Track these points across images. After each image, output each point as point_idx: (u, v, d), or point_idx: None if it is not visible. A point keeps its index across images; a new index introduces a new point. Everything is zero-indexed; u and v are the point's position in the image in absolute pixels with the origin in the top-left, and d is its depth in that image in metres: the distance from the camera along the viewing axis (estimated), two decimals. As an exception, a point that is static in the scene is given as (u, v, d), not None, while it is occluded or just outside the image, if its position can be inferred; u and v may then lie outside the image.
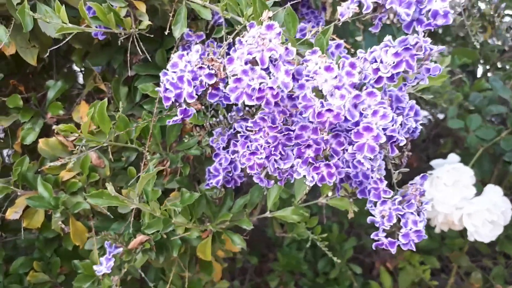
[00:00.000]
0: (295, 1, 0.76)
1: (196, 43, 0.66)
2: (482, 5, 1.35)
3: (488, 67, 1.61)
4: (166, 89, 0.46)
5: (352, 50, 0.65)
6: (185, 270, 0.78)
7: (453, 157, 1.02)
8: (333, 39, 0.63)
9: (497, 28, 1.56)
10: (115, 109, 0.79)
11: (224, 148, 0.65)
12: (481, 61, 1.58)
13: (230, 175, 0.65)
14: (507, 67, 1.57)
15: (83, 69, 0.85)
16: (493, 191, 1.00)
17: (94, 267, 0.65)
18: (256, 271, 1.48)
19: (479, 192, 1.01)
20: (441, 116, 1.63)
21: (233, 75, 0.43)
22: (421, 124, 1.70)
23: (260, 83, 0.42)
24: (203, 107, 0.64)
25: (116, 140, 0.68)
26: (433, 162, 1.03)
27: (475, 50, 1.26)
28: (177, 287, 0.84)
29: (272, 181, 0.58)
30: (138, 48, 0.64)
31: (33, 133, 0.76)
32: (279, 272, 1.32)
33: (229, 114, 0.64)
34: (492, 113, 1.16)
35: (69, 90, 0.84)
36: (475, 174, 1.17)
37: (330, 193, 0.69)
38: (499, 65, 1.42)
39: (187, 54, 0.49)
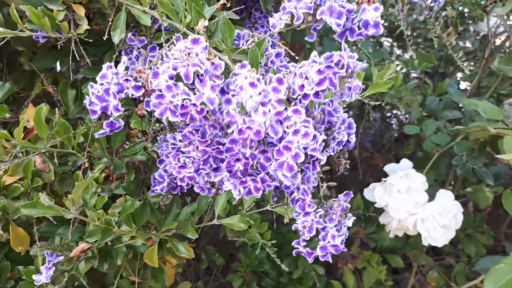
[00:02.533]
0: (243, 7, 0.76)
1: (139, 48, 0.65)
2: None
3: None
4: (91, 103, 0.46)
5: (297, 57, 0.65)
6: (133, 275, 0.77)
7: (406, 163, 1.04)
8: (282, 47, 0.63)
9: (466, 30, 1.58)
10: (64, 112, 0.77)
11: (168, 155, 0.64)
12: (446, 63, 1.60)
13: (175, 181, 0.64)
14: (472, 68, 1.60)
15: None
16: (444, 195, 1.02)
17: (34, 277, 0.64)
18: (222, 271, 1.48)
19: (434, 196, 1.02)
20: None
21: (157, 90, 0.42)
22: (386, 126, 1.71)
23: (183, 100, 0.42)
24: (146, 113, 0.64)
25: (61, 145, 0.67)
26: (386, 168, 1.04)
27: (432, 55, 1.27)
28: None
29: (213, 190, 0.58)
30: (79, 52, 0.63)
31: (-23, 136, 0.74)
32: (242, 272, 1.33)
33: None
34: (447, 118, 1.18)
35: (19, 92, 0.83)
36: (433, 176, 1.19)
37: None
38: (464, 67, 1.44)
39: (117, 64, 0.48)
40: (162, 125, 0.65)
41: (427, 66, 1.21)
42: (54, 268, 0.62)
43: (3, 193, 0.69)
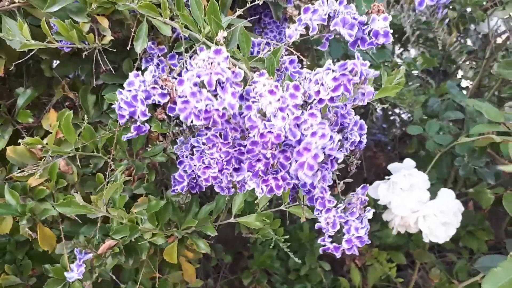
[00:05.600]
0: (253, 18, 0.80)
1: (159, 56, 0.69)
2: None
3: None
4: (120, 108, 0.49)
5: (308, 63, 0.69)
6: (155, 271, 0.81)
7: (409, 162, 1.07)
8: (291, 53, 0.66)
9: (467, 29, 1.61)
10: (83, 116, 0.81)
11: (187, 156, 0.68)
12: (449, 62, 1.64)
13: (195, 181, 0.68)
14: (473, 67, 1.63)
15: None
16: (446, 194, 1.05)
17: (66, 274, 0.67)
18: (230, 269, 1.52)
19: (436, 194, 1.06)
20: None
21: (182, 96, 0.46)
22: (390, 125, 1.74)
23: (207, 105, 0.46)
24: (166, 117, 0.68)
25: (83, 148, 0.71)
26: (390, 167, 1.07)
27: (435, 57, 1.30)
28: (145, 288, 0.87)
29: (233, 189, 0.62)
30: (102, 60, 0.66)
31: (2, 141, 0.78)
32: (253, 269, 1.36)
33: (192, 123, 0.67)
34: (449, 119, 1.21)
35: (39, 97, 0.86)
36: (436, 174, 1.23)
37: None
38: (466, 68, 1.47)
39: (143, 72, 0.51)
40: (181, 128, 0.69)
41: (428, 67, 1.24)
42: (84, 265, 0.66)
43: (29, 195, 0.73)
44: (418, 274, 1.43)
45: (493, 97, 1.33)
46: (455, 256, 1.56)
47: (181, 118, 0.47)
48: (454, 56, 1.21)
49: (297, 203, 0.66)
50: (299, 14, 0.91)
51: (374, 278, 1.40)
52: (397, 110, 1.65)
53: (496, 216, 1.47)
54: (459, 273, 1.43)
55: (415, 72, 1.54)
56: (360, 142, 0.56)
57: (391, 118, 1.77)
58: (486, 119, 0.97)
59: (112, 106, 0.53)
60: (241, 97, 0.49)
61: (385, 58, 1.20)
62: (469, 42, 1.67)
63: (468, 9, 1.41)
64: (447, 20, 1.43)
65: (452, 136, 1.15)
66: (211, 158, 0.52)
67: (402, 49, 1.78)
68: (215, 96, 0.48)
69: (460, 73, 1.66)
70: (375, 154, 1.74)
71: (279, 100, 0.46)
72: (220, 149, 0.51)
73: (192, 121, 0.46)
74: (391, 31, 0.53)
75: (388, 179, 1.03)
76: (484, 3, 1.22)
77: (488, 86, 1.51)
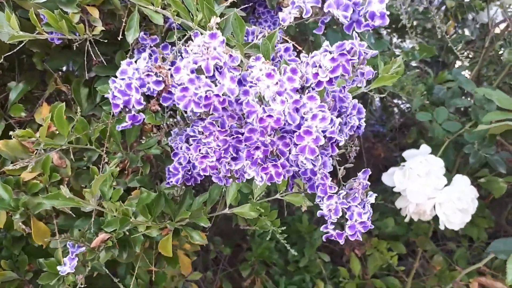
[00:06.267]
0: (249, 4, 0.79)
1: (151, 46, 0.67)
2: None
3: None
4: (114, 96, 0.48)
5: (304, 51, 0.68)
6: (150, 264, 0.80)
7: (425, 148, 1.06)
8: (286, 41, 0.65)
9: (465, 19, 1.61)
10: (76, 109, 0.80)
11: (182, 148, 0.66)
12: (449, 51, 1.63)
13: (190, 173, 0.67)
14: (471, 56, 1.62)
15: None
16: (461, 180, 1.05)
17: (58, 268, 0.66)
18: (229, 261, 1.52)
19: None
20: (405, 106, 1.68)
21: (180, 84, 0.45)
22: (388, 115, 1.73)
23: (206, 91, 0.44)
24: (159, 108, 0.66)
25: (77, 141, 0.70)
26: (405, 153, 1.06)
27: (433, 46, 1.30)
28: (144, 281, 0.86)
29: (231, 180, 0.61)
30: (94, 51, 0.65)
31: (-6, 135, 0.76)
32: (251, 261, 1.36)
33: (186, 114, 0.66)
34: (456, 106, 1.20)
35: (32, 91, 0.85)
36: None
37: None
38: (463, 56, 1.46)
39: (137, 60, 0.50)
40: (175, 119, 0.67)
41: (427, 56, 1.23)
42: (77, 258, 0.65)
43: (22, 190, 0.72)
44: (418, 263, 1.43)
45: (503, 85, 1.32)
46: (455, 244, 1.56)
47: (181, 107, 0.46)
48: (452, 45, 1.20)
49: (296, 191, 0.65)
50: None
51: (374, 267, 1.40)
52: (395, 100, 1.65)
53: (498, 203, 1.47)
54: (459, 261, 1.44)
55: (413, 64, 1.53)
56: (358, 126, 0.55)
57: (390, 108, 1.76)
58: (494, 106, 0.96)
59: (106, 96, 0.52)
60: (238, 82, 0.48)
61: (383, 48, 1.19)
62: (467, 32, 1.66)
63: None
64: (443, 8, 1.42)
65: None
66: (209, 147, 0.51)
67: (400, 39, 1.77)
68: (213, 82, 0.46)
69: (458, 63, 1.66)
70: (374, 145, 1.73)
71: (277, 83, 0.45)
72: (218, 138, 0.50)
73: (192, 110, 0.45)
74: (388, 12, 0.52)
75: (403, 165, 1.02)
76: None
77: (487, 76, 1.50)
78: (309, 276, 1.35)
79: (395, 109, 1.75)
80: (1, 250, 0.85)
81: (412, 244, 1.58)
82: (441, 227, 1.04)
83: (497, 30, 1.42)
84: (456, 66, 1.65)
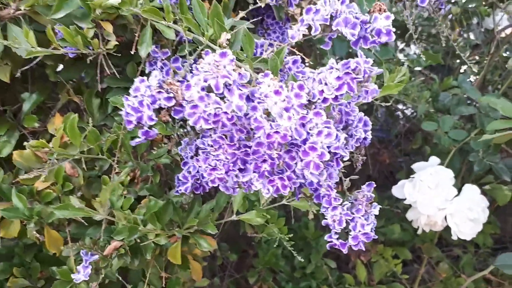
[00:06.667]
0: (258, 17, 0.80)
1: (163, 59, 0.69)
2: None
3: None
4: (127, 113, 0.50)
5: (311, 62, 0.69)
6: (161, 271, 0.81)
7: (434, 160, 1.07)
8: (294, 53, 0.67)
9: (469, 24, 1.61)
10: (88, 119, 0.81)
11: (192, 157, 0.68)
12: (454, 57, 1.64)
13: (199, 182, 0.69)
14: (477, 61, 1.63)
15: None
16: (471, 190, 1.05)
17: (73, 276, 0.68)
18: (236, 267, 1.53)
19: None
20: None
21: (190, 101, 0.46)
22: (393, 121, 1.74)
23: (215, 108, 0.46)
24: (170, 119, 0.68)
25: (89, 151, 0.72)
26: (414, 166, 1.07)
27: (438, 53, 1.30)
28: (156, 287, 0.88)
29: (238, 189, 0.62)
30: (107, 64, 0.67)
31: (8, 145, 0.78)
32: (258, 268, 1.37)
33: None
34: (462, 114, 1.21)
35: (45, 102, 0.87)
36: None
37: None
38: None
39: (147, 76, 0.52)
40: (185, 130, 0.69)
41: (432, 63, 1.24)
42: (90, 266, 0.66)
43: (36, 199, 0.74)
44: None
45: (508, 90, 1.33)
46: (460, 250, 1.57)
47: (190, 123, 0.48)
48: (458, 52, 1.21)
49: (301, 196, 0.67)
50: (301, 13, 0.92)
51: (380, 274, 1.40)
52: (400, 106, 1.66)
53: (503, 210, 1.47)
54: (465, 267, 1.44)
55: (417, 68, 1.54)
56: (365, 138, 0.57)
57: (395, 114, 1.77)
58: (500, 113, 0.97)
59: (120, 112, 0.54)
60: (247, 98, 0.49)
61: (389, 56, 1.20)
62: (471, 37, 1.67)
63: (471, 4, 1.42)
64: (450, 16, 1.43)
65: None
66: (217, 160, 0.52)
67: (404, 46, 1.78)
68: (222, 99, 0.48)
69: (463, 68, 1.67)
70: (379, 151, 1.74)
71: (284, 100, 0.46)
72: (226, 151, 0.52)
73: (201, 126, 0.46)
74: (394, 29, 0.54)
75: (413, 177, 1.03)
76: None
77: (492, 81, 1.51)
78: (315, 282, 1.36)
79: (400, 115, 1.75)
80: (13, 257, 0.87)
81: (417, 250, 1.58)
82: (454, 238, 1.04)
83: (502, 34, 1.43)
84: (462, 70, 1.66)
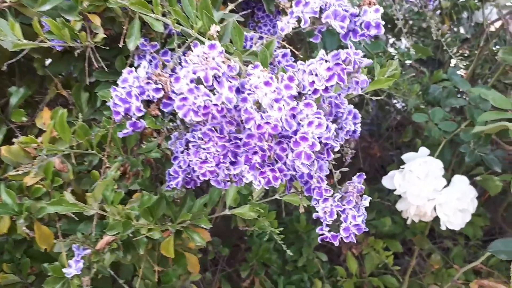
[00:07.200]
0: (248, 10, 0.80)
1: (151, 52, 0.69)
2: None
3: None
4: (115, 104, 0.49)
5: (301, 56, 0.69)
6: (154, 265, 0.81)
7: (424, 150, 1.08)
8: (284, 46, 0.66)
9: (459, 18, 1.62)
10: (77, 114, 0.81)
11: (182, 151, 0.68)
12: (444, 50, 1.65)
13: (190, 176, 0.68)
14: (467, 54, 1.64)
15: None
16: (460, 180, 1.06)
17: (64, 270, 0.68)
18: (227, 261, 1.53)
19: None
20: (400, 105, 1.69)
21: (179, 93, 0.46)
22: (384, 114, 1.75)
23: (205, 101, 0.46)
24: (159, 113, 0.68)
25: (78, 146, 0.71)
26: (404, 156, 1.08)
27: (428, 46, 1.31)
28: (151, 281, 0.87)
29: (229, 183, 0.62)
30: (95, 57, 0.66)
31: (-4, 140, 0.77)
32: (251, 262, 1.37)
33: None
34: (452, 105, 1.22)
35: (32, 96, 0.86)
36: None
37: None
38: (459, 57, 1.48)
39: (136, 69, 0.51)
40: (175, 124, 0.69)
41: (422, 56, 1.25)
42: (82, 260, 0.66)
43: (25, 194, 0.73)
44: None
45: (497, 83, 1.34)
46: (451, 242, 1.58)
47: (180, 115, 0.47)
48: (448, 45, 1.22)
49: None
50: (291, 6, 0.91)
51: (371, 266, 1.41)
52: (391, 100, 1.66)
53: (493, 201, 1.49)
54: (456, 259, 1.45)
55: (407, 62, 1.55)
56: (354, 131, 0.57)
57: (386, 107, 1.78)
58: (489, 105, 0.97)
59: (107, 104, 0.53)
60: (237, 90, 0.49)
61: (379, 49, 1.20)
62: (461, 31, 1.68)
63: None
64: (439, 12, 1.44)
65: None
66: (208, 153, 0.52)
67: (395, 39, 1.78)
68: (212, 91, 0.48)
69: (453, 62, 1.67)
70: (370, 144, 1.75)
71: (274, 91, 0.46)
72: (217, 143, 0.52)
73: (191, 118, 0.46)
74: (383, 22, 0.54)
75: (403, 168, 1.03)
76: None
77: (482, 74, 1.52)
78: (307, 275, 1.37)
79: (391, 108, 1.76)
80: (2, 253, 0.86)
81: (408, 242, 1.59)
82: (442, 228, 1.05)
83: (492, 28, 1.44)
84: (452, 64, 1.67)
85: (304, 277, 1.36)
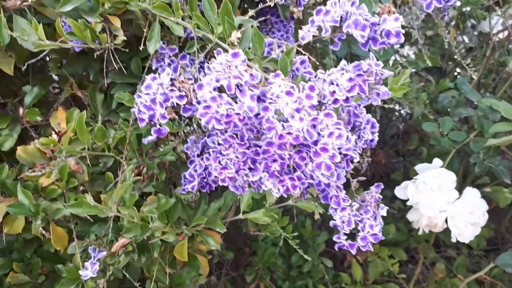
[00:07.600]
0: (264, 18, 0.81)
1: (170, 56, 0.69)
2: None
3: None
4: (140, 111, 0.50)
5: (318, 63, 0.70)
6: (166, 267, 0.81)
7: (437, 162, 1.08)
8: (300, 53, 0.67)
9: (464, 26, 1.63)
10: (92, 115, 0.81)
11: (198, 155, 0.68)
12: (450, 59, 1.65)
13: (205, 180, 0.69)
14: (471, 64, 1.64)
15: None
16: (472, 193, 1.05)
17: (80, 272, 0.68)
18: (232, 265, 1.53)
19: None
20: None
21: (202, 101, 0.47)
22: (389, 121, 1.75)
23: (228, 109, 0.46)
24: (176, 116, 0.68)
25: (94, 147, 0.72)
26: (417, 167, 1.08)
27: (435, 54, 1.31)
28: (163, 284, 0.88)
29: (246, 188, 0.63)
30: (114, 59, 0.67)
31: (11, 139, 0.78)
32: (257, 266, 1.37)
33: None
34: (461, 115, 1.22)
35: (46, 95, 0.86)
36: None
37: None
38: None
39: (159, 74, 0.52)
40: (192, 127, 0.69)
41: (432, 65, 1.25)
42: (98, 263, 0.66)
43: (41, 195, 0.73)
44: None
45: (503, 94, 1.34)
46: (454, 251, 1.58)
47: (202, 122, 0.48)
48: (459, 57, 1.22)
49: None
50: (303, 14, 0.92)
51: (375, 273, 1.41)
52: (396, 107, 1.67)
53: (497, 212, 1.49)
54: (459, 268, 1.45)
55: (413, 70, 1.55)
56: (371, 140, 0.58)
57: (389, 115, 1.78)
58: (499, 116, 0.97)
59: (132, 110, 0.54)
60: (258, 99, 0.50)
61: (388, 57, 1.20)
62: (466, 40, 1.69)
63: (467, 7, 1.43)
64: (453, 22, 1.45)
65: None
66: (228, 159, 0.53)
67: (399, 47, 1.79)
68: (234, 99, 0.48)
69: (457, 71, 1.68)
70: (374, 151, 1.75)
71: (296, 101, 0.47)
72: (237, 150, 0.52)
73: (213, 126, 0.47)
74: (403, 31, 0.54)
75: (416, 179, 1.03)
76: (485, 2, 1.23)
77: (487, 84, 1.53)
78: (312, 281, 1.37)
79: (394, 116, 1.77)
80: (11, 252, 0.86)
81: (411, 250, 1.60)
82: (453, 240, 1.05)
83: (497, 38, 1.44)
84: (455, 73, 1.68)
85: (309, 283, 1.37)
